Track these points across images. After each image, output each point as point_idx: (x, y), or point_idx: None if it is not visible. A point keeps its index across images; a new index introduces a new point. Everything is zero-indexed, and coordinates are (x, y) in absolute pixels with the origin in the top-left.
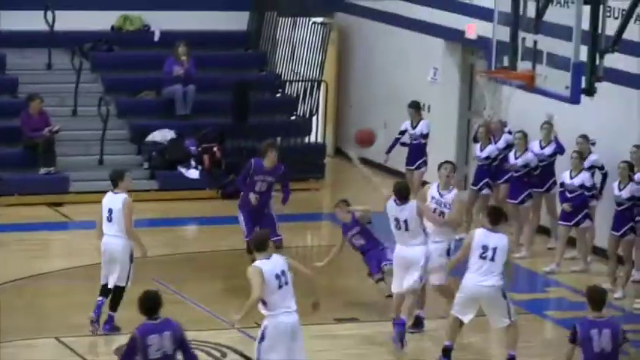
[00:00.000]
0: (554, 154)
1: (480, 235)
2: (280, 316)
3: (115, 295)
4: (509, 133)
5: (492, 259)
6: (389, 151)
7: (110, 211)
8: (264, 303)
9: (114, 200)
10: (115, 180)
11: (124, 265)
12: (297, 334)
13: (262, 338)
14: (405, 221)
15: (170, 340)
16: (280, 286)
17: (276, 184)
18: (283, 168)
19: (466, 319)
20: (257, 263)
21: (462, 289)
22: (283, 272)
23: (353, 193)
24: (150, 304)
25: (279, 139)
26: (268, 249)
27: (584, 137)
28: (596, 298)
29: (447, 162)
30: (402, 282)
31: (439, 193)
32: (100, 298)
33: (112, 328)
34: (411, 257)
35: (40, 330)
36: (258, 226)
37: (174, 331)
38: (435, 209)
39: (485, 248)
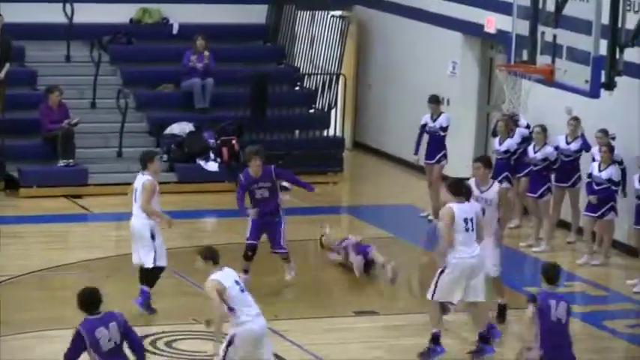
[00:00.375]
0: (580, 150)
1: (458, 211)
2: (248, 324)
3: (147, 275)
4: (528, 127)
5: (473, 229)
6: (416, 152)
7: (136, 191)
8: (231, 310)
9: (139, 181)
10: (145, 161)
11: (144, 243)
12: (265, 337)
13: (230, 343)
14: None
15: (117, 330)
16: (242, 290)
17: (278, 187)
18: (273, 169)
19: (456, 299)
20: (213, 276)
21: (454, 268)
22: (239, 278)
23: (371, 186)
24: (89, 300)
25: (297, 132)
26: (219, 261)
27: (603, 131)
28: (552, 273)
29: (477, 159)
30: None
31: (479, 190)
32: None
33: (143, 304)
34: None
35: (59, 321)
36: (266, 233)
37: (119, 320)
38: None
39: (466, 221)
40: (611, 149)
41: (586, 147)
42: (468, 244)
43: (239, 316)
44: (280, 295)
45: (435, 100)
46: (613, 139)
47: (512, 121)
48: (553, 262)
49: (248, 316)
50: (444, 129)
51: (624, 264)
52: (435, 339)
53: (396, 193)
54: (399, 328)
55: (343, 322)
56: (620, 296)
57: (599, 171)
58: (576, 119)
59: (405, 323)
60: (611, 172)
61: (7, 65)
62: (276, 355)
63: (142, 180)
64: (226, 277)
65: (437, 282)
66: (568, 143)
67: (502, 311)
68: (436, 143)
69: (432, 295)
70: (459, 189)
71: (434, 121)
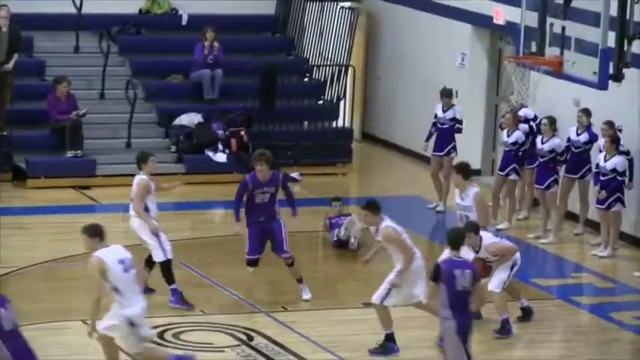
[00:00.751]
0: (589, 142)
1: (393, 223)
2: (138, 302)
3: (162, 271)
4: (535, 118)
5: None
6: (428, 139)
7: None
8: (116, 290)
9: (135, 180)
10: (139, 163)
11: (148, 241)
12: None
13: (133, 325)
14: None
15: (13, 312)
16: (126, 270)
17: (278, 192)
18: (281, 175)
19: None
20: (97, 253)
21: (415, 275)
22: (126, 257)
23: (379, 177)
24: None
25: (306, 123)
26: (105, 238)
27: (609, 123)
28: (455, 238)
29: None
30: None
31: (460, 197)
32: None
33: (177, 301)
34: None
35: (67, 313)
36: (268, 239)
37: (9, 303)
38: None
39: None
40: (615, 140)
41: (592, 138)
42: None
43: (123, 294)
44: (288, 286)
45: (447, 94)
46: (620, 130)
47: (514, 115)
48: (458, 228)
49: (133, 295)
50: (455, 120)
51: (631, 255)
52: (389, 338)
53: (404, 184)
54: (409, 319)
55: (352, 314)
56: (627, 288)
57: (605, 161)
58: (584, 111)
59: (414, 315)
60: (616, 162)
61: (16, 56)
62: (284, 347)
63: (137, 179)
64: (111, 255)
65: (389, 290)
66: (578, 135)
67: (527, 313)
68: (446, 136)
69: (382, 301)
70: (378, 207)
71: (444, 112)
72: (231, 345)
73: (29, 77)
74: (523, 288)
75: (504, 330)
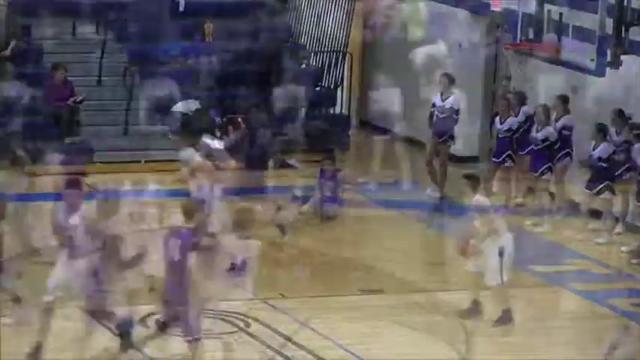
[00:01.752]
0: (562, 129)
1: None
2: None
3: None
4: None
5: None
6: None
7: None
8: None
9: None
10: None
11: None
12: None
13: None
14: None
15: None
16: None
17: None
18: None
19: None
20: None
21: None
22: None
23: (377, 164)
24: None
25: (303, 110)
26: None
27: (615, 112)
28: (185, 208)
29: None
30: None
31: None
32: None
33: None
34: None
35: (64, 299)
36: None
37: None
38: None
39: None
40: (600, 129)
41: (562, 127)
42: None
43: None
44: (285, 273)
45: (447, 76)
46: (629, 118)
47: (517, 98)
48: (190, 201)
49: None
50: (453, 110)
51: (629, 242)
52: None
53: (402, 171)
54: (406, 306)
55: (349, 301)
56: (624, 274)
57: (593, 150)
58: (560, 97)
59: (411, 302)
60: (601, 150)
61: (13, 42)
62: (281, 334)
63: None
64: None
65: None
66: (556, 121)
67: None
68: (443, 123)
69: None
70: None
71: (443, 100)
72: (228, 332)
73: (26, 64)
74: (520, 275)
75: (504, 319)
